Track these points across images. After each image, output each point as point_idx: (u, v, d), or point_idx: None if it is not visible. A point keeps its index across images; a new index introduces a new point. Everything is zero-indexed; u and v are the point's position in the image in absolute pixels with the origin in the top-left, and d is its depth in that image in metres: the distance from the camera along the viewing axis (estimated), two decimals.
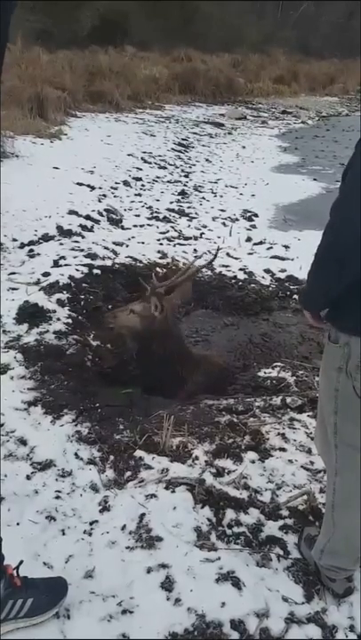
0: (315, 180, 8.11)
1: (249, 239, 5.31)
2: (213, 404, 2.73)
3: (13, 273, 3.84)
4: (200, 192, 6.97)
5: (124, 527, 1.90)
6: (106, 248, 4.54)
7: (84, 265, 4.06)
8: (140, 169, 7.45)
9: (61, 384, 2.72)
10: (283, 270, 4.59)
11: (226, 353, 3.38)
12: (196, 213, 6.01)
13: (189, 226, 5.55)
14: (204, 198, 6.69)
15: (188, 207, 6.21)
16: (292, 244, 5.17)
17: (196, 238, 5.18)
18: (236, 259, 4.75)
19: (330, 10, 28.11)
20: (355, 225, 1.22)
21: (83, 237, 4.67)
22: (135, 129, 10.15)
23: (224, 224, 5.73)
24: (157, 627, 1.58)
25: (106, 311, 3.67)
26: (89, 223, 5.00)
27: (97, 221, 5.13)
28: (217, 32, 20.81)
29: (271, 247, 5.13)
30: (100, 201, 5.70)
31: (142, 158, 8.03)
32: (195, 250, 4.82)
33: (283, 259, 4.87)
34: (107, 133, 9.13)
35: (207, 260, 3.89)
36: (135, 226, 5.33)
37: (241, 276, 4.41)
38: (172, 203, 6.26)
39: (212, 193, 6.99)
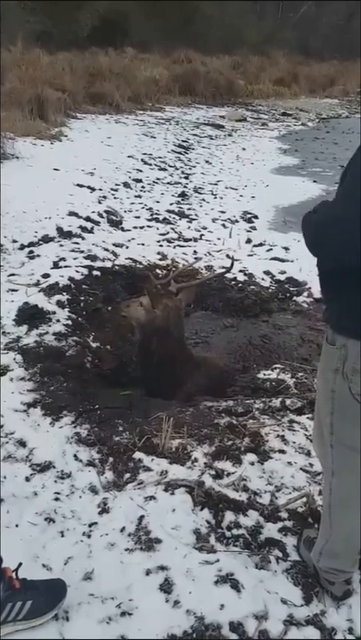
0: (315, 181, 8.12)
1: (249, 241, 5.32)
2: (213, 406, 2.73)
3: (13, 274, 3.85)
4: (200, 194, 6.97)
5: (123, 529, 1.90)
6: (106, 249, 4.54)
7: (83, 266, 4.06)
8: (141, 170, 7.46)
9: (61, 386, 2.73)
10: (282, 272, 4.59)
11: (225, 355, 3.38)
12: (196, 215, 6.02)
13: (189, 227, 5.55)
14: (204, 200, 6.69)
15: (188, 209, 6.21)
16: (292, 246, 5.16)
17: (195, 240, 5.18)
18: (235, 260, 4.75)
19: (330, 11, 28.13)
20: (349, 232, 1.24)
21: (83, 239, 4.67)
22: (135, 130, 10.16)
23: (224, 226, 5.73)
24: (156, 629, 1.58)
25: (105, 313, 3.68)
26: (89, 225, 5.01)
27: (97, 223, 5.14)
28: (217, 32, 20.86)
29: (271, 249, 5.13)
30: (100, 202, 5.71)
31: (142, 160, 8.03)
32: (195, 251, 4.83)
33: (282, 260, 4.87)
34: (107, 135, 9.15)
35: (224, 267, 3.94)
36: (135, 227, 5.33)
37: (241, 277, 4.42)
38: (172, 204, 6.26)
39: (212, 194, 6.99)
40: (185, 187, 7.19)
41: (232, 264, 3.25)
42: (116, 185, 6.52)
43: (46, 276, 3.81)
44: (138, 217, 5.66)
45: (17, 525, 1.90)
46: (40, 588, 1.58)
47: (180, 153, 9.24)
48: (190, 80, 15.44)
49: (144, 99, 13.38)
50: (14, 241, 4.37)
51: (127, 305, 3.13)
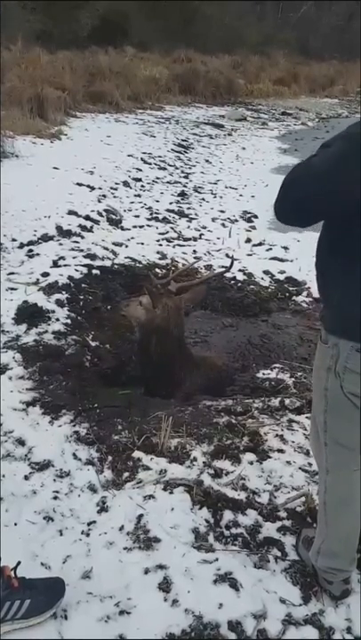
0: None
1: (248, 240, 5.31)
2: (212, 405, 2.73)
3: (12, 273, 3.84)
4: (200, 193, 6.97)
5: (121, 528, 1.90)
6: (105, 248, 4.54)
7: (83, 265, 4.06)
8: (140, 170, 7.45)
9: (60, 384, 2.72)
10: (282, 272, 4.59)
11: (225, 354, 3.38)
12: (195, 214, 6.01)
13: (189, 227, 5.55)
14: (203, 199, 6.69)
15: (188, 208, 6.21)
16: (292, 246, 5.17)
17: (195, 239, 5.18)
18: (235, 260, 4.75)
19: (330, 11, 28.13)
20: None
21: (82, 238, 4.67)
22: (135, 129, 10.15)
23: (224, 225, 5.73)
24: (155, 628, 1.58)
25: (105, 312, 3.68)
26: (88, 223, 5.00)
27: (96, 222, 5.13)
28: (217, 33, 20.84)
29: (270, 248, 5.13)
30: (99, 201, 5.70)
31: (142, 159, 8.03)
32: (194, 251, 4.83)
33: (282, 260, 4.87)
34: (107, 134, 9.13)
35: (223, 267, 3.95)
36: (135, 226, 5.33)
37: (240, 277, 4.42)
38: (171, 203, 6.26)
39: (212, 194, 6.99)
40: (185, 186, 7.19)
41: (232, 263, 3.25)
42: (116, 184, 6.52)
43: (46, 274, 3.81)
44: (137, 216, 5.66)
45: (16, 524, 1.90)
46: (39, 587, 1.58)
47: (179, 152, 9.23)
48: (190, 79, 15.43)
49: (144, 98, 13.37)
50: (14, 240, 4.36)
51: (127, 304, 3.15)
